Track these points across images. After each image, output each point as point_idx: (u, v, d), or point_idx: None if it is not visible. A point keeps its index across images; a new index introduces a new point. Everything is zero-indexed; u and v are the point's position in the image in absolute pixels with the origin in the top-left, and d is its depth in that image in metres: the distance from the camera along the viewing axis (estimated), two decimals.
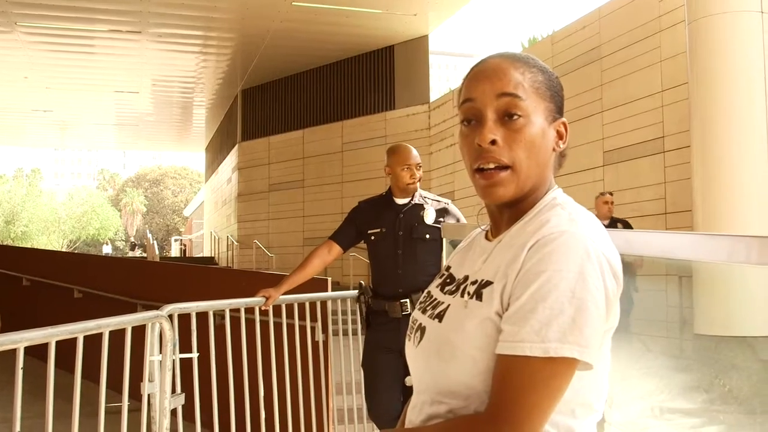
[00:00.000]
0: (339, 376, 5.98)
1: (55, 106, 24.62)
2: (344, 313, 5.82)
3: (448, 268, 1.53)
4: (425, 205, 4.47)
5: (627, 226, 8.62)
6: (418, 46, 18.25)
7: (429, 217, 4.41)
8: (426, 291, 1.53)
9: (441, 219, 4.43)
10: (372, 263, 4.61)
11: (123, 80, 21.30)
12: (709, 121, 7.83)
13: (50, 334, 2.86)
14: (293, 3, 15.19)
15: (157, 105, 25.14)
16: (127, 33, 16.98)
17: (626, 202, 10.74)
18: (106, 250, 68.45)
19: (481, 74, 1.33)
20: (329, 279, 5.97)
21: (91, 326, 3.08)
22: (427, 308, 1.42)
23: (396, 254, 4.42)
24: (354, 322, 5.85)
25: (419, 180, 4.52)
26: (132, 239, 53.23)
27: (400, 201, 4.53)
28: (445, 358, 1.28)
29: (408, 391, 4.22)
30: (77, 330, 3.00)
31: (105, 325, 3.21)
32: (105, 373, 3.28)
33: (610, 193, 8.86)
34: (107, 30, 16.79)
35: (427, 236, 4.39)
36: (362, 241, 4.65)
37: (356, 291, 4.67)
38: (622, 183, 11.07)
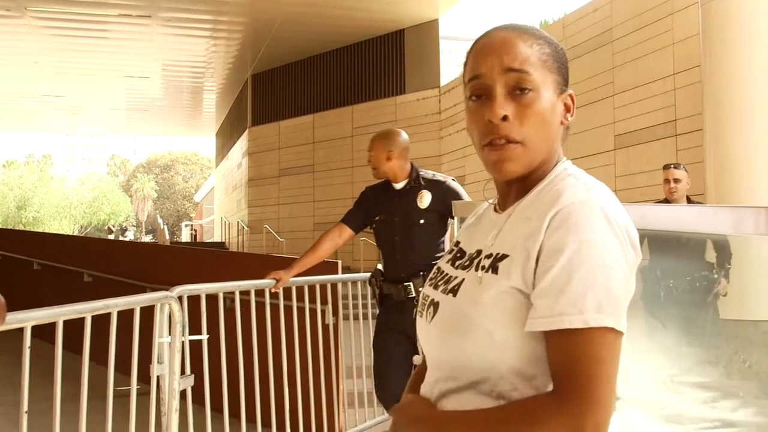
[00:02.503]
0: (349, 359, 5.97)
1: (66, 91, 24.64)
2: (355, 297, 5.80)
3: (458, 243, 1.51)
4: (421, 190, 4.43)
5: None
6: (429, 30, 18.17)
7: (424, 202, 4.38)
8: (436, 267, 1.50)
9: (442, 200, 4.36)
10: (378, 248, 4.61)
11: (133, 65, 21.28)
12: (722, 104, 7.74)
13: (58, 314, 2.85)
14: None
15: (167, 90, 25.14)
16: (137, 17, 16.94)
17: (637, 186, 10.68)
18: (129, 235, 68.66)
19: (488, 48, 1.31)
20: (339, 262, 5.95)
21: (99, 306, 3.06)
22: (439, 283, 1.40)
23: (393, 240, 4.40)
24: (365, 306, 5.84)
25: (375, 168, 4.48)
26: (112, 224, 52.57)
27: (397, 186, 4.51)
28: (460, 333, 1.25)
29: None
30: (85, 310, 2.99)
31: (113, 305, 3.20)
32: (113, 354, 3.27)
33: (675, 166, 6.53)
34: (117, 14, 16.76)
35: (422, 221, 4.35)
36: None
37: (366, 274, 4.66)
38: (633, 167, 11.00)
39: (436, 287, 1.40)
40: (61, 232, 54.44)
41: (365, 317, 5.83)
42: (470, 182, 14.63)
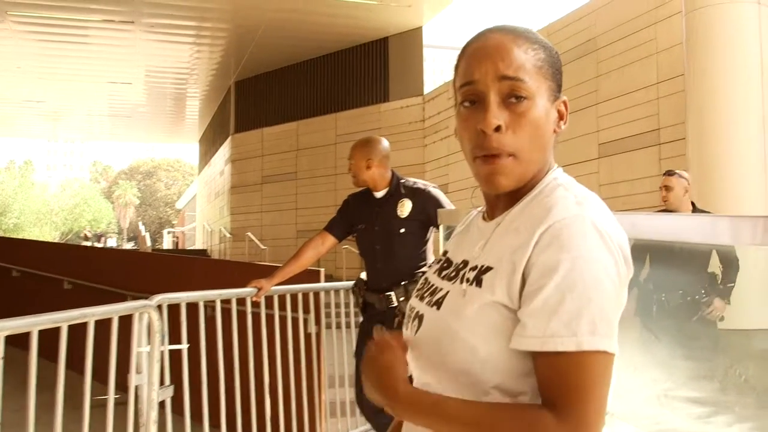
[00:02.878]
0: (332, 368, 5.91)
1: (48, 96, 24.49)
2: (338, 305, 5.75)
3: (445, 252, 1.48)
4: (402, 199, 4.38)
5: None
6: (413, 37, 18.16)
7: (405, 211, 4.34)
8: (423, 277, 1.47)
9: (423, 209, 4.32)
10: (360, 257, 4.58)
11: (116, 71, 21.15)
12: (705, 113, 7.77)
13: (32, 323, 2.79)
14: None
15: (150, 96, 25.01)
16: (120, 23, 16.85)
17: (621, 195, 10.69)
18: (111, 243, 68.28)
19: (482, 53, 1.26)
20: (322, 270, 5.89)
21: (75, 315, 3.00)
22: (425, 295, 1.36)
23: (374, 249, 4.37)
24: (347, 315, 5.79)
25: (355, 176, 4.45)
26: (88, 230, 52.13)
27: (377, 194, 4.47)
28: (444, 347, 1.22)
29: None
30: (61, 319, 2.93)
31: (90, 314, 3.14)
32: (90, 365, 3.20)
33: (668, 173, 5.96)
34: (100, 20, 16.67)
35: (402, 230, 4.31)
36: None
37: (349, 282, 4.62)
38: (617, 175, 11.01)
39: (422, 299, 1.37)
40: (42, 239, 54.12)
41: (348, 326, 5.78)
42: (454, 190, 14.60)
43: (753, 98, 7.57)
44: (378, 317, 4.30)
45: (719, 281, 5.06)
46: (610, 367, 1.12)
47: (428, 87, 18.20)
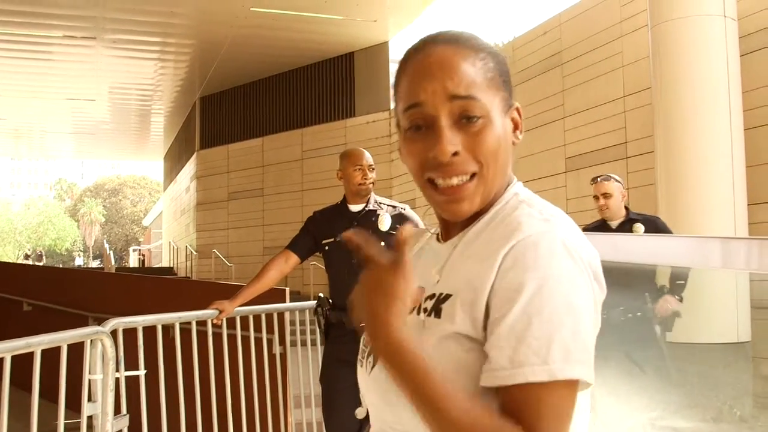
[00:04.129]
0: (297, 388, 5.78)
1: (9, 114, 24.17)
2: (302, 323, 5.65)
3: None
4: (379, 212, 4.32)
5: (649, 226, 5.27)
6: (379, 52, 18.13)
7: (384, 224, 4.27)
8: None
9: (398, 225, 4.27)
10: (328, 273, 4.44)
11: (79, 87, 20.90)
12: (672, 126, 7.75)
13: None
14: (251, 9, 14.98)
15: (114, 113, 24.75)
16: (82, 39, 16.64)
17: (589, 209, 10.64)
18: (78, 262, 67.55)
19: (426, 71, 1.13)
20: (287, 289, 5.78)
21: (19, 345, 2.83)
22: None
23: (350, 264, 4.25)
24: (313, 332, 5.67)
25: (372, 183, 4.37)
26: (28, 249, 51.35)
27: (354, 208, 4.40)
28: None
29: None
30: (4, 349, 2.76)
31: (36, 343, 2.96)
32: (37, 396, 3.04)
33: (604, 178, 5.42)
34: (61, 36, 16.45)
35: (382, 244, 4.21)
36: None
37: (314, 302, 4.49)
38: (584, 189, 10.98)
39: None
40: (5, 258, 53.43)
41: (313, 343, 5.65)
42: (421, 205, 14.52)
43: (720, 110, 7.56)
44: (348, 337, 4.17)
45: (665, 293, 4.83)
46: (575, 396, 1.00)
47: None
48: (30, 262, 38.31)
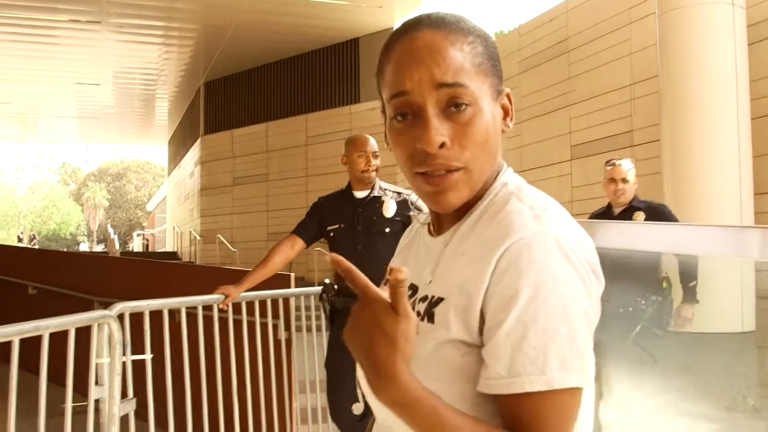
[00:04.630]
0: (302, 374, 5.78)
1: (14, 98, 24.18)
2: (308, 308, 5.63)
3: (392, 271, 1.32)
4: (384, 198, 4.33)
5: (654, 214, 4.95)
6: (384, 38, 17.74)
7: (389, 211, 4.27)
8: None
9: (402, 212, 4.29)
10: None
11: (84, 72, 20.89)
12: (679, 114, 7.72)
13: None
14: None
15: (119, 97, 24.75)
16: (87, 23, 16.62)
17: (595, 197, 10.64)
18: (84, 247, 67.65)
19: (412, 57, 1.08)
20: (293, 275, 5.79)
21: (28, 328, 2.83)
22: None
23: (356, 250, 4.26)
24: (318, 318, 5.67)
25: (376, 170, 4.38)
26: (20, 232, 51.27)
27: (358, 194, 4.42)
28: None
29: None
30: (12, 333, 2.77)
31: (44, 327, 2.96)
32: (45, 379, 3.04)
33: (624, 162, 5.13)
34: (67, 20, 16.43)
35: (387, 230, 4.25)
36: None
37: (320, 288, 4.49)
38: (590, 177, 10.96)
39: None
40: (10, 242, 53.50)
41: (318, 329, 5.65)
42: None
43: (727, 99, 7.53)
44: None
45: (669, 290, 4.64)
46: (579, 401, 0.99)
47: None
48: (23, 244, 38.32)
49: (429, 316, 1.07)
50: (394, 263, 1.35)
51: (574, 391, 0.97)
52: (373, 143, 4.42)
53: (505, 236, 1.02)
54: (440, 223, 1.21)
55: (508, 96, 1.17)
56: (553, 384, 0.94)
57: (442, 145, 1.06)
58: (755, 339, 6.81)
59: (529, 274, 0.97)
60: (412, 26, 1.12)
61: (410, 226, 1.41)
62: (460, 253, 1.10)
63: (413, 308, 1.09)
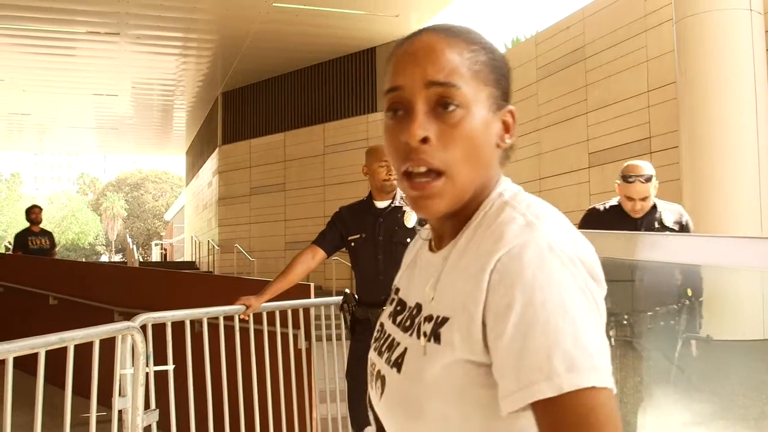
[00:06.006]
0: (322, 383, 5.80)
1: (33, 109, 24.30)
2: (327, 317, 5.65)
3: (397, 290, 1.31)
4: (405, 208, 4.34)
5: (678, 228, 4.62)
6: None
7: (410, 221, 4.28)
8: (379, 322, 1.32)
9: (424, 222, 4.28)
10: (354, 270, 4.45)
11: (102, 83, 20.99)
12: (697, 121, 7.69)
13: (8, 350, 2.65)
14: (274, 4, 15.00)
15: (137, 108, 24.85)
16: (106, 35, 16.72)
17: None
18: (104, 258, 67.89)
19: (410, 56, 1.11)
20: (312, 284, 5.79)
21: (53, 340, 2.86)
22: (383, 350, 1.21)
23: (377, 260, 4.27)
24: (338, 327, 5.68)
25: (395, 179, 4.37)
26: (8, 242, 51.56)
27: (380, 205, 4.41)
28: (412, 416, 1.06)
29: None
30: (38, 345, 2.79)
31: (69, 338, 2.99)
32: (70, 390, 3.07)
33: (644, 178, 4.55)
34: (85, 32, 16.53)
35: (408, 240, 4.24)
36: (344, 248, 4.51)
37: (340, 297, 4.51)
38: (608, 185, 10.92)
39: (380, 353, 1.21)
40: None
41: (338, 338, 5.66)
42: None
43: (746, 105, 7.50)
44: (372, 333, 4.18)
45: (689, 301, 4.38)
46: (609, 399, 0.91)
47: None
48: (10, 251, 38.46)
49: (435, 336, 1.06)
50: (400, 282, 1.34)
51: (594, 392, 0.90)
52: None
53: (495, 249, 1.01)
54: (439, 240, 1.20)
55: (511, 113, 1.16)
56: (563, 387, 0.89)
57: (426, 140, 1.07)
58: None
59: (522, 281, 0.95)
60: (417, 32, 1.15)
61: (412, 242, 1.39)
62: (459, 269, 1.08)
63: (419, 328, 1.10)
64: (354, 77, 18.84)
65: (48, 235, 11.91)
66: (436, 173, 1.08)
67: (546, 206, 1.08)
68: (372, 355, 1.25)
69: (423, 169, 1.08)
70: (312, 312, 5.46)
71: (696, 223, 6.32)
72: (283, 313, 5.14)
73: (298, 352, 5.27)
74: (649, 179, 4.52)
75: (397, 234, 4.28)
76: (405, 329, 1.16)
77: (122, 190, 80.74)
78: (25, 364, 2.89)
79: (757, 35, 7.65)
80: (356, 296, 4.36)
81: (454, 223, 1.15)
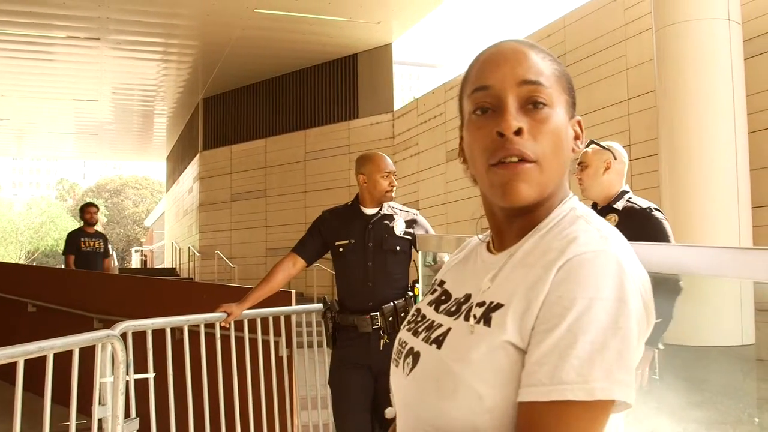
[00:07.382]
0: (303, 390, 5.79)
1: (12, 114, 24.16)
2: (309, 324, 5.65)
3: (442, 283, 1.33)
4: (395, 216, 4.34)
5: (629, 219, 3.87)
6: (382, 54, 18.14)
7: (399, 228, 4.29)
8: (415, 308, 1.33)
9: (410, 230, 4.31)
10: (339, 276, 4.41)
11: (82, 88, 20.91)
12: (676, 129, 7.74)
13: None
14: (255, 10, 15.00)
15: (117, 113, 24.75)
16: (86, 39, 16.64)
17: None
18: None
19: (499, 58, 1.17)
20: (293, 291, 5.78)
21: (32, 349, 2.84)
22: (420, 330, 1.22)
23: (366, 266, 4.26)
24: (319, 333, 5.67)
25: (393, 186, 4.39)
26: None
27: (368, 211, 4.38)
28: (445, 392, 1.07)
29: (384, 421, 4.06)
30: (17, 354, 2.77)
31: (49, 347, 2.97)
32: (49, 399, 3.05)
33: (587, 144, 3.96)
34: (65, 36, 16.45)
35: (398, 248, 4.26)
36: (328, 253, 4.48)
37: (321, 304, 4.50)
38: None
39: (415, 333, 1.23)
40: (8, 259, 53.40)
41: (320, 345, 5.66)
42: (423, 207, 14.53)
43: (724, 114, 7.55)
44: (358, 340, 4.18)
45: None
46: (607, 418, 0.99)
47: (398, 104, 18.18)
48: None
49: (486, 319, 1.08)
50: (445, 276, 1.37)
51: (611, 405, 0.96)
52: (390, 162, 4.42)
53: (567, 247, 1.05)
54: (502, 242, 1.23)
55: (579, 123, 1.23)
56: (596, 394, 0.94)
57: (519, 132, 1.11)
58: (755, 352, 6.81)
59: (587, 287, 0.99)
60: (501, 41, 1.22)
61: (463, 244, 1.43)
62: (523, 265, 1.12)
63: (469, 312, 1.13)
64: (335, 84, 18.85)
65: (103, 237, 11.05)
66: (529, 162, 1.12)
67: (616, 231, 1.12)
68: (403, 334, 1.28)
69: (515, 159, 1.11)
70: (293, 319, 5.46)
71: (674, 231, 6.36)
72: (265, 321, 5.13)
73: (279, 359, 5.26)
74: (587, 144, 3.94)
75: (387, 241, 4.28)
76: (449, 314, 1.19)
77: (102, 195, 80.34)
78: (5, 373, 2.88)
79: (735, 45, 7.71)
80: (338, 302, 4.35)
81: (521, 224, 1.19)
